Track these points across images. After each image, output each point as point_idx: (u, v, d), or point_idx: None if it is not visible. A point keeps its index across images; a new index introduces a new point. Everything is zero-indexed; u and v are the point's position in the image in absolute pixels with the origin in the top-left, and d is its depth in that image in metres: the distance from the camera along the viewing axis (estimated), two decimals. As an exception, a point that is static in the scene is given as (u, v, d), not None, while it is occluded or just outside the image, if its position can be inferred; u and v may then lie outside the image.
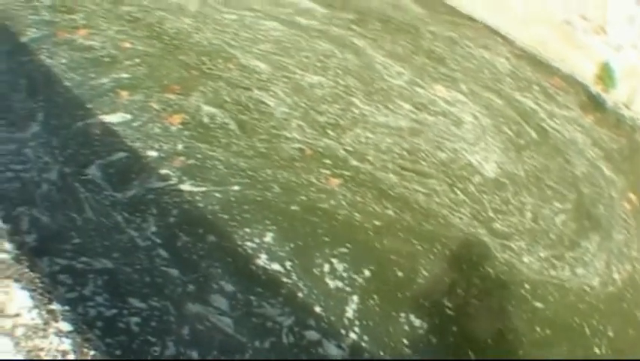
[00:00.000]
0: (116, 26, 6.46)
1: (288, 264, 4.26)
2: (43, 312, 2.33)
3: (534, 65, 7.65)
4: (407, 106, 5.99)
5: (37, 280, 3.17)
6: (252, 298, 4.05)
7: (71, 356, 2.32)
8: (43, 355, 2.20)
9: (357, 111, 5.72)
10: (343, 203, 4.75)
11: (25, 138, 4.98)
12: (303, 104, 5.66)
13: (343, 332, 4.03)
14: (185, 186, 4.67)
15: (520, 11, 7.86)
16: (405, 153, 5.40)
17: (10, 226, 4.25)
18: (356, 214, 4.71)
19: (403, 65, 6.63)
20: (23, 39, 6.45)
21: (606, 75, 7.18)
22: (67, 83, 5.68)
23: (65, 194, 4.53)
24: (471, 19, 8.20)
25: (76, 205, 4.44)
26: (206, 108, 5.38)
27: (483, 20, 8.07)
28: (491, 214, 5.19)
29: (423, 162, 5.39)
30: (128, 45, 6.14)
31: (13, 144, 4.91)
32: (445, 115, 6.12)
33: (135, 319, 3.80)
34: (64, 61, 5.95)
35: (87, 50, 6.11)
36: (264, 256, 4.28)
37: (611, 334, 4.61)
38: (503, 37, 7.97)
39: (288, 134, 5.25)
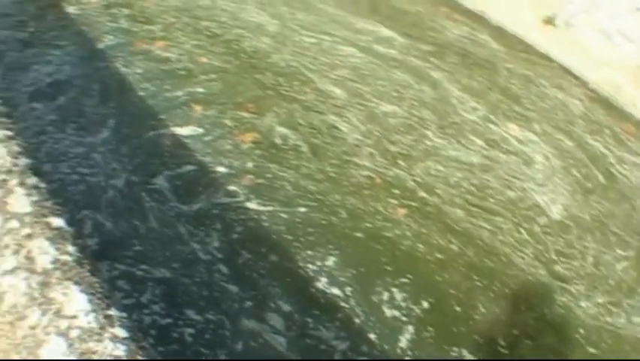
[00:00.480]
0: (194, 40, 7.16)
1: (347, 289, 4.60)
2: (100, 316, 2.49)
3: (607, 109, 7.92)
4: (479, 142, 6.36)
5: (96, 285, 3.64)
6: (309, 319, 4.39)
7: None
8: (95, 358, 2.55)
9: (429, 143, 6.12)
10: (408, 233, 5.09)
11: (95, 143, 5.55)
12: (376, 133, 6.09)
13: (395, 361, 4.39)
14: (252, 205, 5.11)
15: (595, 53, 8.18)
16: (473, 188, 5.75)
17: (73, 228, 4.85)
18: (419, 246, 5.05)
19: (478, 101, 7.03)
20: (100, 45, 7.18)
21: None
22: (141, 93, 6.31)
23: (130, 201, 5.01)
24: (547, 58, 8.57)
25: (141, 213, 4.91)
26: (279, 129, 5.88)
27: (558, 60, 8.44)
28: (553, 256, 5.43)
29: (491, 199, 5.71)
30: (205, 60, 6.79)
31: (82, 147, 5.48)
32: (516, 154, 6.45)
33: (190, 330, 4.16)
34: (139, 71, 6.62)
35: (163, 62, 6.80)
36: (324, 280, 4.64)
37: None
38: (578, 78, 8.29)
39: (359, 161, 5.67)
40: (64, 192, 5.00)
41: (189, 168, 5.40)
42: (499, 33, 8.74)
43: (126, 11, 7.89)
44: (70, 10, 8.00)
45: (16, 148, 3.06)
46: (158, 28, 7.49)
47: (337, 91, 6.60)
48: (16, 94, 6.19)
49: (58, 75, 6.58)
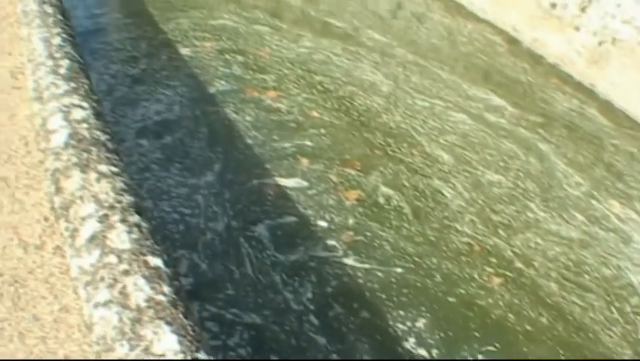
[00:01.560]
0: (306, 94, 8.70)
1: (434, 352, 5.54)
2: (188, 358, 2.75)
3: None
4: (580, 217, 7.33)
5: (188, 327, 4.63)
6: (393, 378, 5.32)
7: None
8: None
9: (531, 215, 7.16)
10: (500, 303, 6.06)
11: (198, 185, 6.90)
12: (479, 201, 7.21)
13: None
14: (349, 260, 6.20)
15: None
16: (570, 263, 6.68)
17: (170, 269, 6.07)
18: (510, 316, 5.98)
19: (582, 176, 8.04)
20: (211, 89, 8.78)
21: None
22: (248, 141, 7.72)
23: (228, 246, 6.19)
24: (654, 134, 9.57)
25: (237, 258, 6.07)
26: (384, 189, 7.10)
27: (666, 137, 9.47)
28: (641, 338, 6.23)
29: (586, 275, 6.60)
30: (315, 114, 8.27)
31: (185, 188, 6.84)
32: (616, 231, 7.31)
33: (273, 377, 5.05)
34: (249, 118, 8.14)
35: (274, 112, 8.30)
36: (412, 340, 5.61)
37: None
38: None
39: (460, 228, 6.75)
40: (164, 230, 6.20)
41: (290, 219, 6.61)
42: (608, 108, 9.78)
43: (240, 58, 9.59)
44: (184, 51, 9.77)
45: (121, 185, 3.65)
46: (271, 78, 9.12)
47: (445, 156, 7.82)
48: (123, 129, 7.70)
49: (166, 114, 8.20)
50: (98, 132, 4.15)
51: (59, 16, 6.26)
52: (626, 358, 6.02)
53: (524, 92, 10.01)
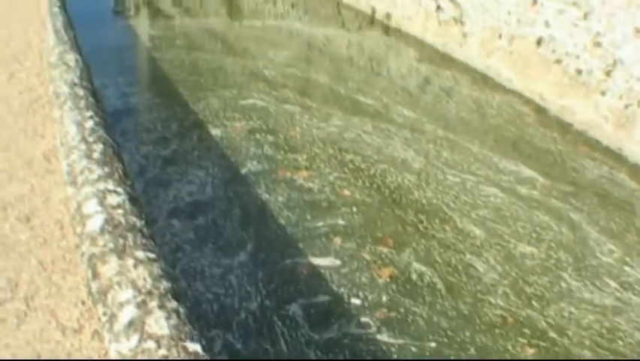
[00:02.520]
0: (337, 172, 9.20)
1: None
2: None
3: None
4: (614, 284, 7.57)
5: None
6: None
7: None
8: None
9: (564, 285, 7.42)
10: None
11: (232, 266, 7.30)
12: (512, 273, 7.51)
13: None
14: (383, 337, 6.49)
15: None
16: (604, 330, 6.87)
17: (209, 354, 6.30)
18: None
19: (614, 242, 8.30)
20: (243, 170, 9.31)
21: None
22: (281, 221, 8.15)
23: (262, 325, 6.50)
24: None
25: (271, 338, 6.37)
26: (417, 265, 7.44)
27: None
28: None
29: (619, 341, 6.78)
30: (347, 193, 8.73)
31: (218, 268, 7.24)
32: None
33: None
34: (281, 199, 8.61)
35: (306, 192, 8.78)
36: None
37: None
38: None
39: (493, 300, 7.04)
40: (198, 310, 6.54)
41: (324, 298, 6.94)
42: (637, 171, 10.13)
43: (271, 138, 10.18)
44: (215, 132, 10.40)
45: (158, 271, 3.82)
46: (302, 158, 9.65)
47: (477, 230, 8.18)
48: (155, 210, 8.19)
49: (199, 195, 8.69)
50: (133, 218, 4.41)
51: (91, 99, 6.71)
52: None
53: (554, 161, 10.45)
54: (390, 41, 16.59)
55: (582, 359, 6.43)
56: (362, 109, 11.76)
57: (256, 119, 11.00)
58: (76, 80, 7.12)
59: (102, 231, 4.15)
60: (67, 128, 5.82)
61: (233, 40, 16.59)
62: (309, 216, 8.33)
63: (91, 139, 5.56)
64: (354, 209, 8.48)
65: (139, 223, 4.38)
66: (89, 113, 6.14)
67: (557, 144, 10.98)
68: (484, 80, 13.46)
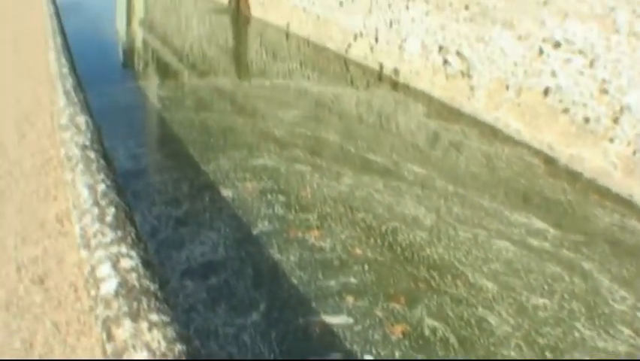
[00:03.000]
0: (349, 231, 9.36)
1: None
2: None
3: None
4: (627, 331, 7.65)
5: None
6: None
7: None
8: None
9: (577, 335, 7.50)
10: None
11: (244, 325, 7.40)
12: (525, 325, 7.59)
13: None
14: None
15: None
16: None
17: None
18: None
19: (627, 290, 8.41)
20: (254, 230, 9.47)
21: None
22: (293, 280, 8.29)
23: None
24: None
25: None
26: (429, 321, 7.55)
27: None
28: None
29: None
30: (358, 251, 8.88)
31: (231, 328, 7.33)
32: None
33: None
34: (293, 258, 8.75)
35: (318, 251, 8.93)
36: None
37: None
38: None
39: (506, 352, 7.13)
40: None
41: (337, 356, 7.05)
42: None
43: (282, 198, 10.38)
44: (226, 193, 10.63)
45: (172, 334, 3.92)
46: (313, 217, 9.83)
47: (489, 284, 8.30)
48: (168, 270, 8.34)
49: (211, 256, 8.84)
50: (147, 282, 4.53)
51: (102, 162, 6.90)
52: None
53: (565, 211, 10.62)
54: (399, 97, 16.92)
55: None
56: (372, 167, 11.98)
57: (267, 180, 11.22)
58: (87, 143, 7.35)
59: (116, 294, 4.30)
60: (80, 191, 6.00)
61: (243, 99, 16.98)
62: (321, 275, 8.47)
63: (103, 202, 5.73)
64: (366, 267, 8.62)
65: (152, 287, 4.51)
66: (101, 177, 6.34)
67: (567, 193, 11.18)
68: (492, 133, 13.72)
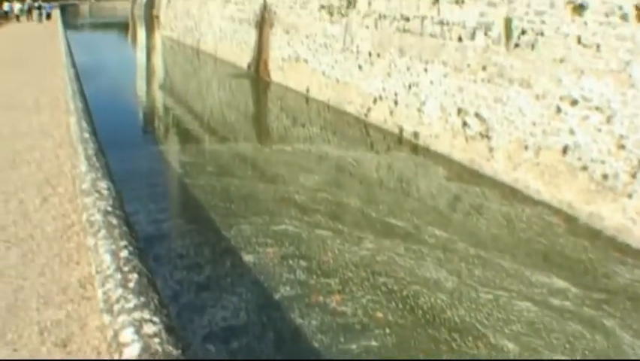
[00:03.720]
0: (370, 295, 9.58)
1: None
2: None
3: None
4: None
5: None
6: None
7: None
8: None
9: None
10: None
11: None
12: None
13: None
14: None
15: None
16: None
17: None
18: None
19: None
20: (276, 295, 9.71)
21: None
22: (315, 344, 8.49)
23: None
24: None
25: None
26: None
27: None
28: None
29: None
30: (380, 315, 9.08)
31: None
32: None
33: None
34: (315, 323, 8.96)
35: (339, 315, 9.14)
36: None
37: None
38: None
39: None
40: None
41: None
42: None
43: (303, 263, 10.63)
44: (248, 258, 10.88)
45: None
46: (335, 282, 10.07)
47: (510, 345, 8.47)
48: (190, 334, 8.56)
49: (233, 320, 9.07)
50: (169, 347, 4.65)
51: (124, 228, 7.07)
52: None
53: (585, 269, 10.84)
54: (419, 160, 17.31)
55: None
56: (393, 231, 12.25)
57: (288, 245, 11.50)
58: (109, 209, 7.56)
59: (139, 359, 4.44)
60: (102, 257, 6.19)
61: (264, 165, 17.45)
62: (342, 339, 8.66)
63: (126, 268, 5.91)
64: (388, 330, 8.83)
65: (175, 352, 4.66)
66: (123, 243, 6.52)
67: (588, 251, 11.40)
68: (512, 194, 14.03)
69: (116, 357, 4.62)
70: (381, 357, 8.29)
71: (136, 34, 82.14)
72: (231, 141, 21.09)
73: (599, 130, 12.17)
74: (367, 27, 21.17)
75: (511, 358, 7.71)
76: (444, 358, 7.60)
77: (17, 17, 66.23)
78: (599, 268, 10.80)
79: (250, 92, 29.86)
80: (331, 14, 23.72)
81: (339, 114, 22.52)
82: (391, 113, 19.50)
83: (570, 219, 12.55)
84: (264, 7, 31.23)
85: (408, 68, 18.70)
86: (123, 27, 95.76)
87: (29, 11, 68.26)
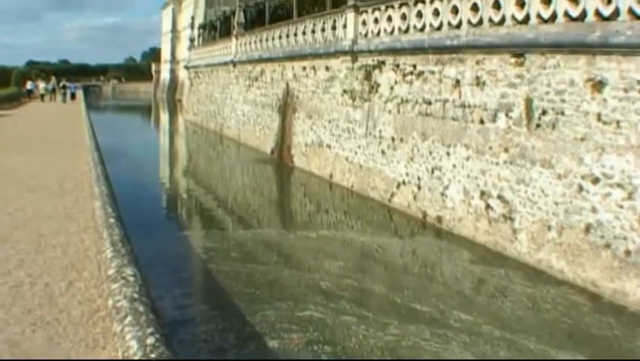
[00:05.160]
0: None
1: None
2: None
3: None
4: None
5: None
6: None
7: None
8: None
9: None
10: None
11: None
12: None
13: None
14: None
15: None
16: None
17: None
18: None
19: None
20: None
21: None
22: None
23: None
24: None
25: None
26: None
27: None
28: None
29: None
30: None
31: None
32: None
33: None
34: None
35: None
36: None
37: None
38: None
39: None
40: None
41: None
42: None
43: (328, 349, 11.00)
44: (272, 344, 11.18)
45: None
46: (361, 366, 10.44)
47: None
48: None
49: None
50: None
51: (151, 315, 7.26)
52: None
53: (610, 346, 11.19)
54: (443, 245, 17.73)
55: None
56: (418, 316, 12.60)
57: (313, 331, 11.84)
58: (136, 295, 7.77)
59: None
60: (129, 343, 6.43)
61: (289, 251, 17.87)
62: None
63: (153, 355, 6.16)
64: None
65: None
66: (150, 330, 6.72)
67: (613, 328, 11.77)
68: (536, 275, 14.44)
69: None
70: None
71: (159, 117, 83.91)
72: (256, 226, 21.64)
73: (621, 207, 12.63)
74: (390, 111, 21.91)
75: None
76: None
77: (42, 96, 68.20)
78: (624, 344, 11.16)
79: (274, 178, 30.54)
80: (353, 99, 24.55)
81: (362, 199, 23.09)
82: (415, 197, 20.04)
83: (594, 297, 12.91)
84: (287, 92, 32.18)
85: (430, 152, 19.32)
86: (146, 110, 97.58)
87: (53, 91, 70.37)
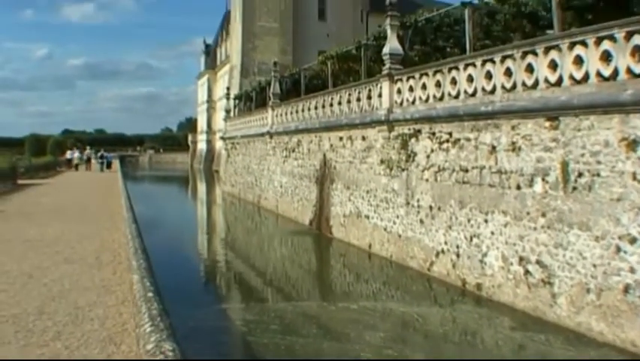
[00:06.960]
0: None
1: None
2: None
3: None
4: None
5: None
6: None
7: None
8: None
9: None
10: None
11: None
12: None
13: None
14: None
15: None
16: None
17: None
18: None
19: None
20: None
21: None
22: None
23: None
24: None
25: None
26: None
27: None
28: None
29: None
30: None
31: None
32: None
33: None
34: None
35: None
36: None
37: None
38: None
39: None
40: None
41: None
42: None
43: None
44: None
45: None
46: None
47: None
48: None
49: None
50: None
51: None
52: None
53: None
54: (483, 312, 18.21)
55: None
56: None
57: None
58: None
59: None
60: None
61: (329, 323, 18.35)
62: None
63: None
64: None
65: None
66: None
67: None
68: (577, 338, 14.89)
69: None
70: None
71: (196, 188, 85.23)
72: (295, 298, 22.19)
73: (660, 261, 13.07)
74: (427, 180, 22.60)
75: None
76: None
77: (76, 166, 70.21)
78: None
79: (312, 249, 31.10)
80: (391, 168, 25.30)
81: (401, 269, 23.62)
82: (454, 265, 20.60)
83: (635, 357, 13.36)
84: (324, 163, 32.97)
85: (468, 220, 19.95)
86: (183, 180, 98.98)
87: (88, 160, 72.47)
